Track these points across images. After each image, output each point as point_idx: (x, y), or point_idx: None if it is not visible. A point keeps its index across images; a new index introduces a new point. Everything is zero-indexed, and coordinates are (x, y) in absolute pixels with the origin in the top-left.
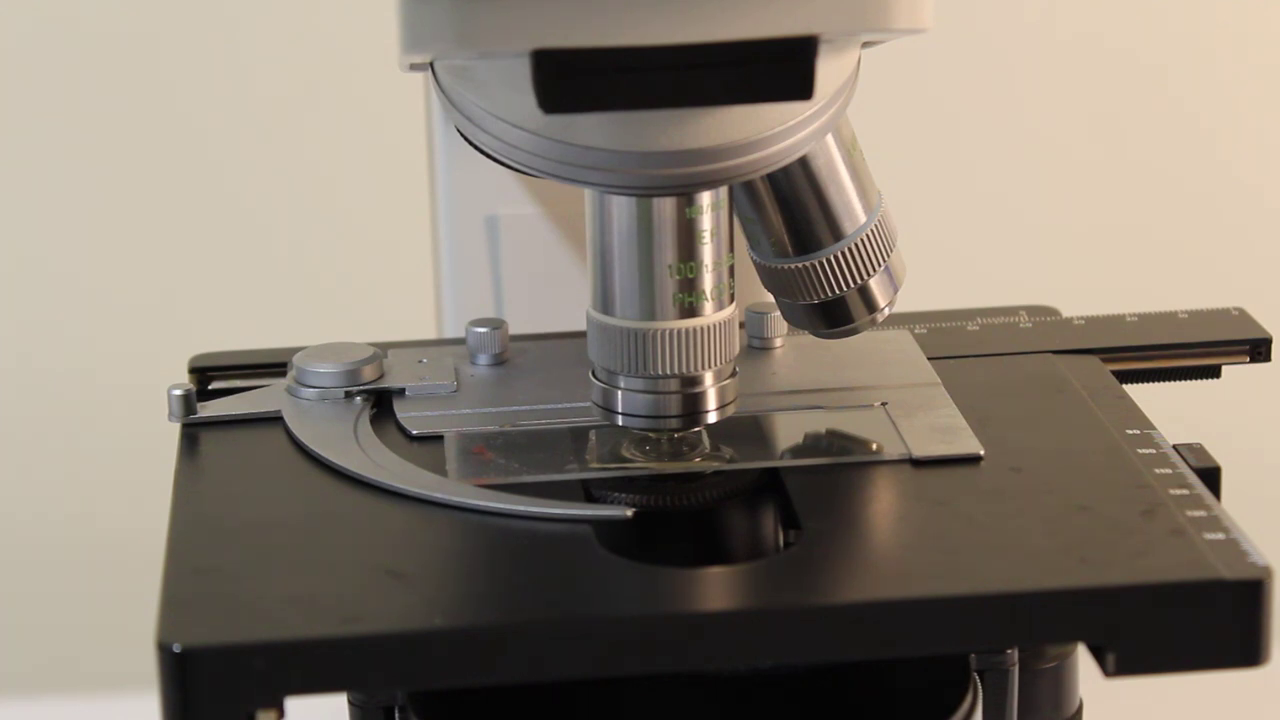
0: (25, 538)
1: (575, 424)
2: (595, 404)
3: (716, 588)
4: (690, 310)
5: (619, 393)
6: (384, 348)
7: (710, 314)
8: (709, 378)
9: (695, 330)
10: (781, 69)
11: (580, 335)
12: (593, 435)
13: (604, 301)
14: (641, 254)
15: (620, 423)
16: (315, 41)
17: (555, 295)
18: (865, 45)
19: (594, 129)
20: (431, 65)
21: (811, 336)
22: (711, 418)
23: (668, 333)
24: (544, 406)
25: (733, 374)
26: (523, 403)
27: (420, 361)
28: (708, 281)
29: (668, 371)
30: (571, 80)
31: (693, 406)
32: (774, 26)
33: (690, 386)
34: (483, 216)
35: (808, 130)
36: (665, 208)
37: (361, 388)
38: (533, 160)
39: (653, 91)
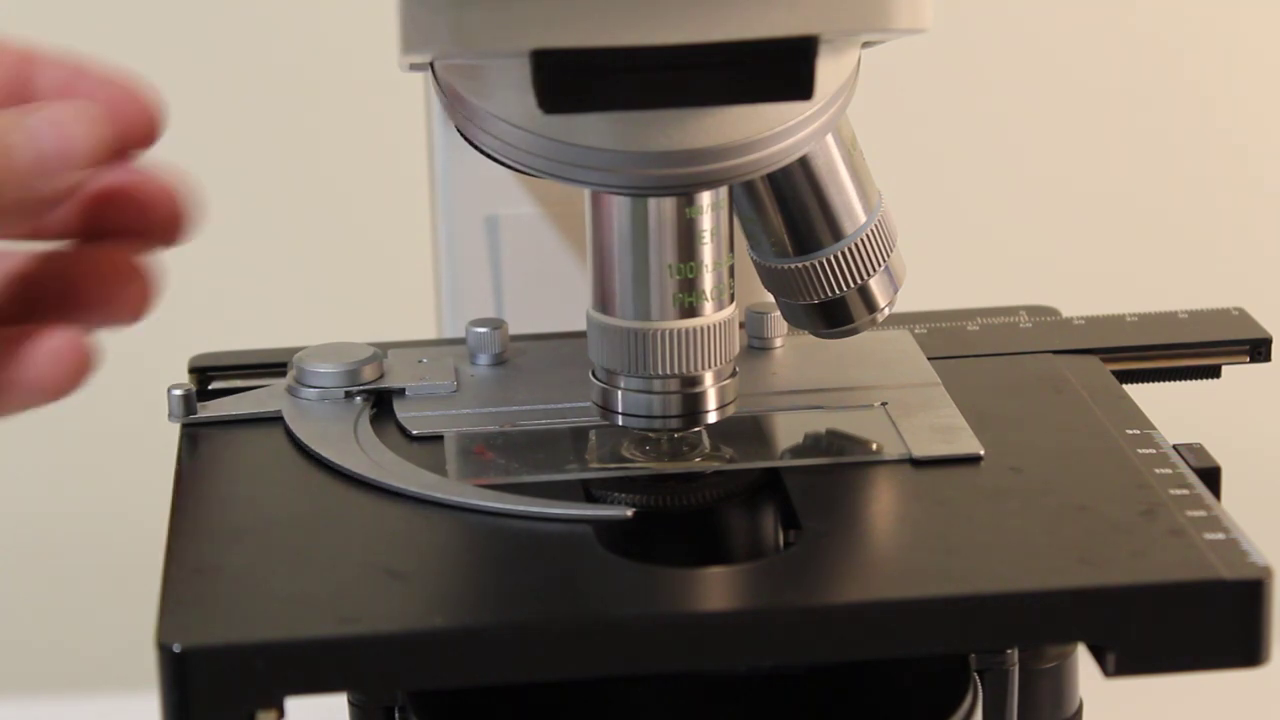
0: (25, 537)
1: (575, 424)
2: (595, 404)
3: (716, 588)
4: (690, 310)
5: (619, 393)
6: (384, 348)
7: (710, 314)
8: (709, 378)
9: (695, 330)
10: (781, 69)
11: (580, 335)
12: (593, 435)
13: (604, 301)
14: (641, 254)
15: (620, 423)
16: (315, 41)
17: (555, 295)
18: (865, 45)
19: (594, 129)
20: (431, 65)
21: (811, 336)
22: (711, 418)
23: (667, 333)
24: (544, 406)
25: (733, 374)
26: (523, 403)
27: (420, 361)
28: (708, 281)
29: (668, 371)
30: (571, 80)
31: (693, 406)
32: (774, 26)
33: (690, 386)
34: (483, 216)
35: (808, 130)
36: (665, 208)
37: (361, 388)
38: (533, 160)
39: (653, 91)
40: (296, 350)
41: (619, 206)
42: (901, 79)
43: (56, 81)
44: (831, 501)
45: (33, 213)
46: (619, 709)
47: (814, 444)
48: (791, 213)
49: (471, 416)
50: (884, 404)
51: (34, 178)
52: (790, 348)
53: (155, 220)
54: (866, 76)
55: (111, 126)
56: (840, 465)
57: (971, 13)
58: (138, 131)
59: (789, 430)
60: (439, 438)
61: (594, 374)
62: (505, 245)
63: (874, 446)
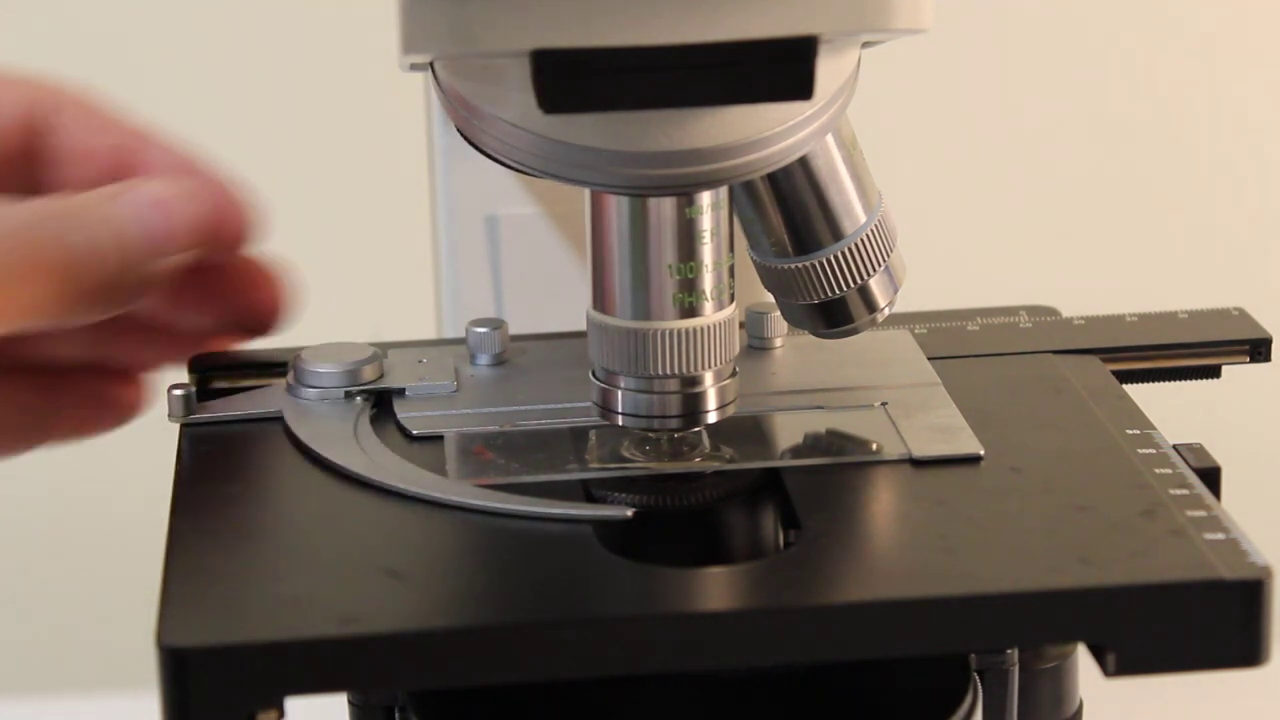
0: (25, 537)
1: (575, 424)
2: (595, 404)
3: (716, 588)
4: (690, 310)
5: (619, 393)
6: (384, 348)
7: (710, 314)
8: (709, 378)
9: (695, 330)
10: (781, 69)
11: (580, 335)
12: (593, 435)
13: (603, 301)
14: (641, 254)
15: (620, 423)
16: (315, 41)
17: (555, 295)
18: (865, 45)
19: (594, 129)
20: (431, 65)
21: (811, 336)
22: (711, 418)
23: (667, 333)
24: (544, 406)
25: (733, 374)
26: (523, 403)
27: (420, 361)
28: (708, 281)
29: (667, 372)
30: (571, 80)
31: (693, 406)
32: (774, 26)
33: (690, 386)
34: (483, 216)
35: (808, 130)
36: (665, 207)
37: (361, 388)
38: (533, 160)
39: (653, 91)
40: (296, 350)
41: (619, 206)
42: (901, 79)
43: (164, 167)
44: (831, 501)
45: (131, 297)
46: (619, 709)
47: (814, 444)
48: (791, 213)
49: (471, 416)
50: (884, 404)
51: (144, 258)
52: (790, 348)
53: (253, 310)
54: (866, 77)
55: (210, 214)
56: (840, 465)
57: (971, 13)
58: (230, 235)
59: (789, 430)
60: (439, 438)
61: (594, 374)
62: (505, 245)
63: (874, 446)
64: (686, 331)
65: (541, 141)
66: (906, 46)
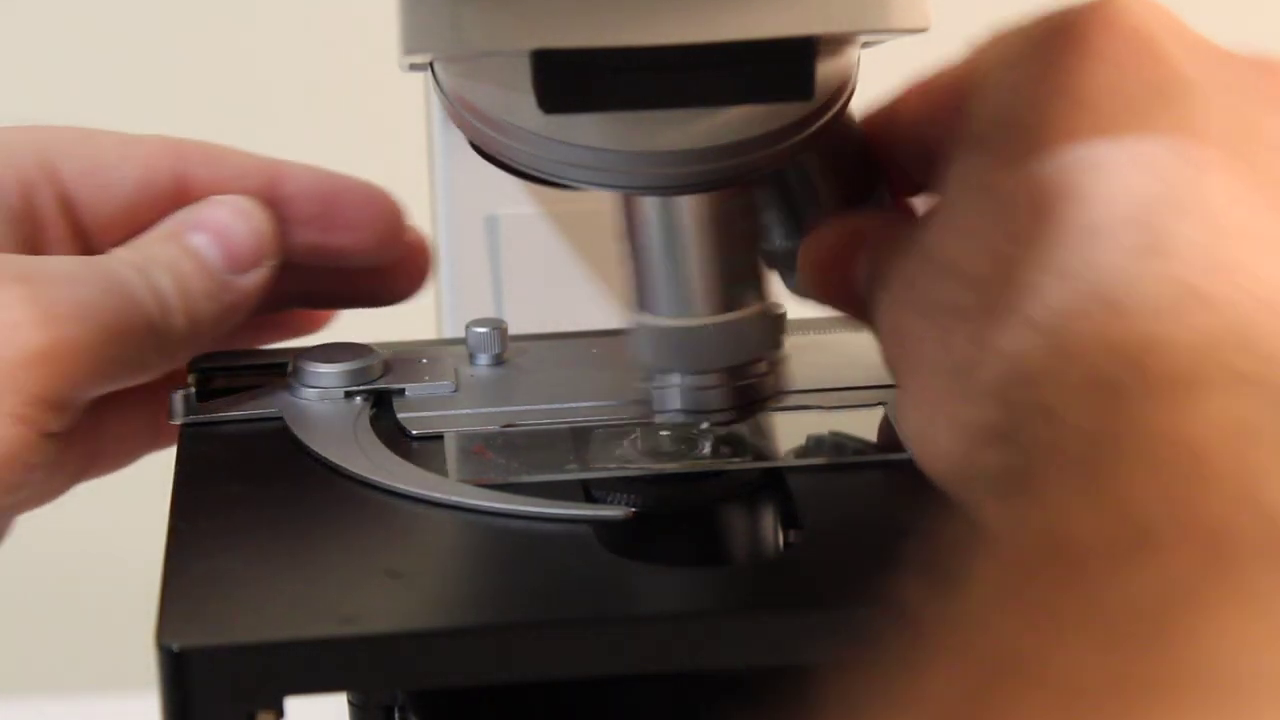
0: (24, 537)
1: (575, 424)
2: (646, 406)
3: (716, 588)
4: (736, 304)
5: (672, 390)
6: (384, 348)
7: (751, 306)
8: (749, 370)
9: (741, 323)
10: (781, 69)
11: (580, 335)
12: (592, 435)
13: (648, 301)
14: (678, 251)
15: (675, 419)
16: (315, 41)
17: (555, 295)
18: (865, 45)
19: (594, 129)
20: (431, 65)
21: (812, 337)
22: (756, 409)
23: (717, 327)
24: (544, 406)
25: (771, 369)
26: (523, 403)
27: (420, 361)
28: (744, 276)
29: (717, 365)
30: (571, 80)
31: (739, 399)
32: (774, 27)
33: (736, 379)
34: (483, 216)
35: (808, 130)
36: (698, 205)
37: (361, 388)
38: (534, 160)
39: (653, 92)
40: (296, 350)
41: (651, 207)
42: (901, 78)
43: (307, 191)
44: (831, 501)
45: (239, 316)
46: (618, 709)
47: (814, 444)
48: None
49: (471, 416)
50: (884, 404)
51: (219, 294)
52: (791, 348)
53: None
54: (866, 77)
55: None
56: (840, 465)
57: (971, 12)
58: (388, 238)
59: (789, 430)
60: (439, 438)
61: (641, 377)
62: (505, 245)
63: (874, 446)
64: (730, 325)
65: (542, 142)
66: (907, 46)
